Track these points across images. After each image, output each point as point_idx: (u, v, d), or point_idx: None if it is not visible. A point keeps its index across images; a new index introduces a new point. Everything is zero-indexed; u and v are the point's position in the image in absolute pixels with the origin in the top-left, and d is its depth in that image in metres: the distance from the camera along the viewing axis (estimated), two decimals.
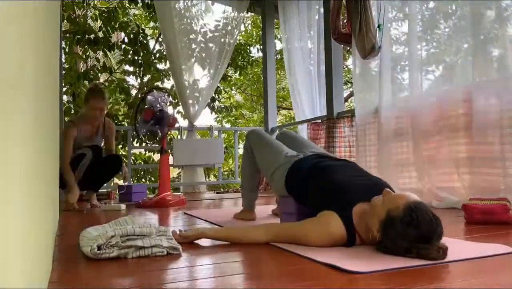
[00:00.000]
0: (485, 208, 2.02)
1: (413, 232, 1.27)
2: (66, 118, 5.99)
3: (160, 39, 6.95)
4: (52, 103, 1.66)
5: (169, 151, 3.78)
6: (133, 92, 7.54)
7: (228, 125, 10.08)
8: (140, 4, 6.94)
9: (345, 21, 3.56)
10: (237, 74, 7.96)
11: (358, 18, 3.36)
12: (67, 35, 6.16)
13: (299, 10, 5.02)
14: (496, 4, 2.68)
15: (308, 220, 1.56)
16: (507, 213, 1.96)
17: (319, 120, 4.48)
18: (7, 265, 0.51)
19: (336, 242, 1.47)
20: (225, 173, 8.86)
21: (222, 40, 5.35)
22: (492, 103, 2.66)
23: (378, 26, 3.33)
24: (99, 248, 1.38)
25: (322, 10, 4.42)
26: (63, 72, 5.84)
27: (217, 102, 7.49)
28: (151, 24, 8.19)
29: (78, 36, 6.04)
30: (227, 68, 6.42)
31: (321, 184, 1.69)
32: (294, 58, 5.08)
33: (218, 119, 9.41)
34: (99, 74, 6.77)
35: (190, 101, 5.22)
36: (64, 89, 5.81)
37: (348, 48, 4.22)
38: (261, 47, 6.17)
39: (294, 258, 1.35)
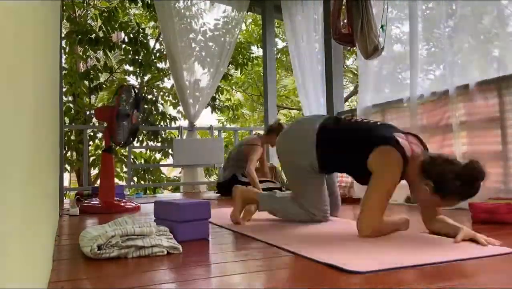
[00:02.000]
0: (489, 207, 2.01)
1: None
2: (66, 118, 6.01)
3: (160, 39, 6.95)
4: (52, 103, 1.66)
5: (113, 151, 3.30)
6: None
7: (228, 125, 10.08)
8: (140, 4, 6.94)
9: (345, 21, 3.56)
10: (238, 73, 7.96)
11: (360, 19, 3.35)
12: (67, 35, 6.16)
13: (303, 9, 5.02)
14: (497, 4, 2.68)
15: (376, 176, 1.71)
16: (511, 213, 1.96)
17: None
18: (7, 265, 0.51)
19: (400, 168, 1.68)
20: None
21: (222, 39, 5.36)
22: (492, 103, 2.66)
23: (382, 27, 3.32)
24: (99, 248, 1.38)
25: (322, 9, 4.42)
26: (63, 72, 5.84)
27: (217, 101, 7.49)
28: (151, 23, 8.18)
29: (79, 36, 6.04)
30: (228, 66, 6.42)
31: (358, 133, 1.89)
32: (300, 57, 5.06)
33: (218, 118, 9.41)
34: (99, 74, 6.77)
35: (191, 101, 5.21)
36: (64, 89, 5.81)
37: (349, 48, 4.20)
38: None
39: (294, 258, 1.35)
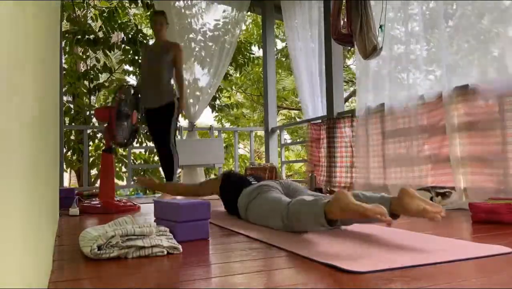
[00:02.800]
0: (489, 207, 2.00)
1: None
2: (66, 118, 6.01)
3: None
4: (52, 103, 1.66)
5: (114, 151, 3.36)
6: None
7: (228, 125, 10.08)
8: (140, 4, 6.93)
9: (345, 20, 3.56)
10: (237, 73, 7.96)
11: (359, 19, 3.36)
12: (67, 35, 6.16)
13: (301, 9, 5.02)
14: (497, 4, 2.68)
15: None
16: (511, 213, 1.95)
17: (319, 121, 4.49)
18: (7, 265, 0.51)
19: None
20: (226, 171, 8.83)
21: (223, 39, 5.36)
22: (492, 103, 2.66)
23: (380, 27, 3.33)
24: (99, 248, 1.37)
25: (322, 9, 4.43)
26: (63, 72, 5.83)
27: (217, 101, 7.49)
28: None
29: (78, 36, 6.03)
30: (228, 66, 6.42)
31: None
32: (299, 58, 5.07)
33: (218, 118, 9.40)
34: (99, 74, 6.77)
35: (191, 100, 5.21)
36: (64, 89, 5.81)
37: (349, 48, 4.19)
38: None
39: (294, 258, 1.35)
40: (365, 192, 1.80)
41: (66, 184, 8.13)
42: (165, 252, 1.46)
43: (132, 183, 5.46)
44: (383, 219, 1.38)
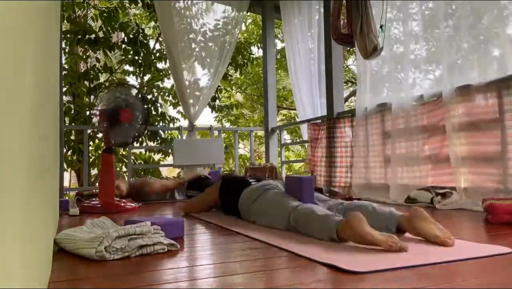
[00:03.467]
0: None
1: None
2: (66, 118, 6.01)
3: (160, 39, 6.95)
4: (52, 103, 1.66)
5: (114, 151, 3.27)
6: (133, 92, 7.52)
7: (228, 125, 10.08)
8: (140, 4, 6.94)
9: (345, 21, 3.56)
10: (237, 74, 7.96)
11: (359, 19, 3.36)
12: (67, 35, 6.16)
13: (300, 10, 5.03)
14: (496, 4, 2.68)
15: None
16: None
17: (319, 121, 4.49)
18: (7, 265, 0.51)
19: None
20: (226, 173, 8.85)
21: (222, 39, 5.36)
22: (492, 103, 2.66)
23: (381, 27, 3.32)
24: (105, 249, 1.37)
25: (322, 9, 4.42)
26: (63, 72, 5.83)
27: (217, 101, 7.48)
28: (151, 24, 8.19)
29: (78, 36, 6.03)
30: (228, 67, 6.41)
31: None
32: (296, 58, 5.08)
33: (218, 118, 9.40)
34: (100, 74, 6.77)
35: (191, 101, 5.22)
36: (64, 89, 5.81)
37: (349, 48, 4.18)
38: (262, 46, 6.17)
39: (294, 258, 1.35)
40: (374, 205, 1.78)
41: (66, 184, 8.13)
42: (166, 249, 1.48)
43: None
44: (395, 249, 1.37)
